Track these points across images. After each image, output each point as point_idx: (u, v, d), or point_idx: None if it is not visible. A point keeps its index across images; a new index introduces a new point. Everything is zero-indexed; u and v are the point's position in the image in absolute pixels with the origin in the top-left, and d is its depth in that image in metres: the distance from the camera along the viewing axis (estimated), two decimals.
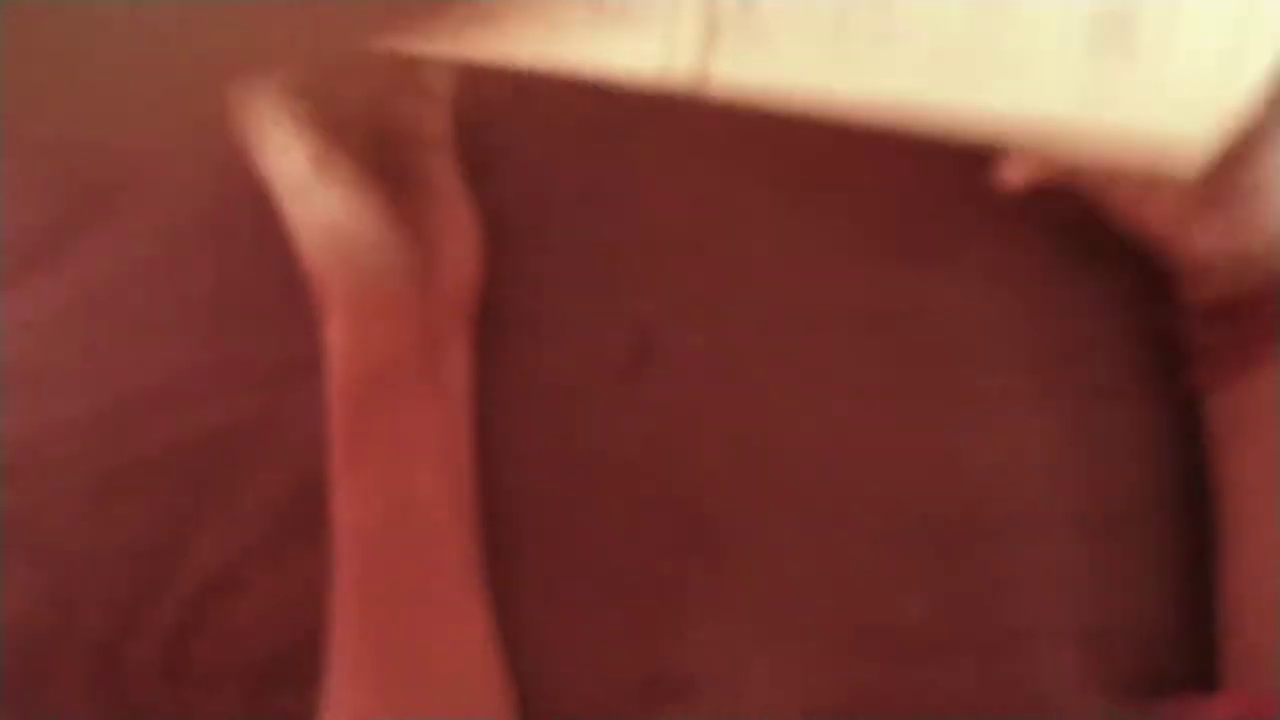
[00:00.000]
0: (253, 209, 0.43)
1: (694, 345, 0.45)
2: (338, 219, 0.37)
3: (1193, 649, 0.41)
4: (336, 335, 0.39)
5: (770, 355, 0.45)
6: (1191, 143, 0.32)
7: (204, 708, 0.41)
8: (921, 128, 0.32)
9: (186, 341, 0.44)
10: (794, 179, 0.46)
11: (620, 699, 0.41)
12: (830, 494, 0.44)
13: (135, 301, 0.44)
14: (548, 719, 0.40)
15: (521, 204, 0.45)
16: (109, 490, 0.43)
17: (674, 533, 0.43)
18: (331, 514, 0.38)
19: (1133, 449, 0.44)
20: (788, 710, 0.41)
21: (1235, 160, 0.39)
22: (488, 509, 0.41)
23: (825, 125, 0.42)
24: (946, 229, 0.46)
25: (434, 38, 0.32)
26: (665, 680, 0.41)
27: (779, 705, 0.41)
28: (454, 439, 0.40)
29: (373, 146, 0.39)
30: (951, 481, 0.44)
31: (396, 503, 0.38)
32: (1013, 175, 0.41)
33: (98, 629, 0.41)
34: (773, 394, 0.45)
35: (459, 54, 0.32)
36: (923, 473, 0.44)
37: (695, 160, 0.46)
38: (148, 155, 0.45)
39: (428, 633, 0.37)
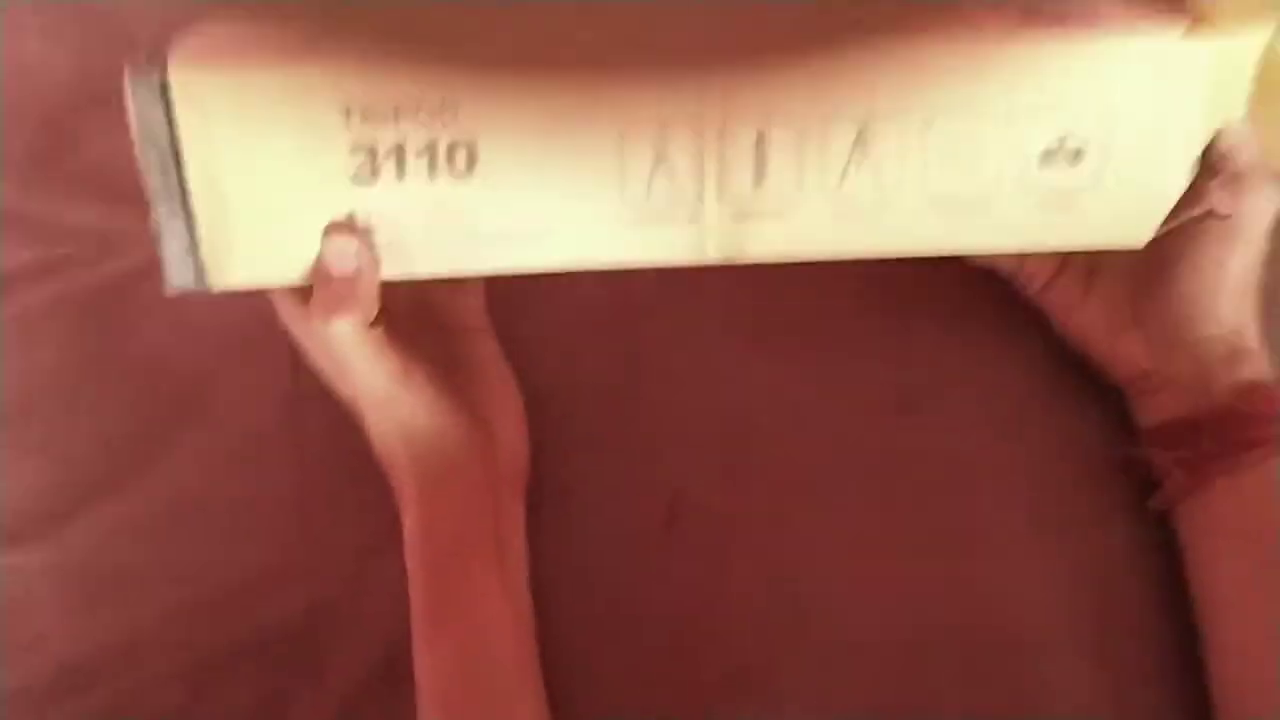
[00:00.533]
0: (323, 405, 0.48)
1: (721, 503, 0.49)
2: (413, 420, 0.42)
3: None
4: (413, 519, 0.43)
5: (791, 506, 0.50)
6: (1133, 236, 0.39)
7: None
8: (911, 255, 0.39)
9: (271, 533, 0.48)
10: (794, 347, 0.51)
11: None
12: (859, 629, 0.48)
13: (222, 500, 0.49)
14: None
15: (554, 384, 0.50)
16: (204, 675, 0.47)
17: (720, 676, 0.47)
18: (413, 682, 0.42)
19: (1129, 568, 0.48)
20: None
21: (1151, 287, 0.45)
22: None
23: (819, 296, 0.48)
24: (932, 378, 0.51)
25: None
26: None
27: None
28: (520, 602, 0.44)
29: (424, 338, 0.43)
30: (967, 609, 0.49)
31: (474, 667, 0.42)
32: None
33: None
34: (797, 542, 0.49)
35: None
36: (940, 603, 0.49)
37: (706, 335, 0.51)
38: (226, 370, 0.50)
39: None
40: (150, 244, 0.50)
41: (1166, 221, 0.39)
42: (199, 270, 0.37)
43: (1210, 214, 0.41)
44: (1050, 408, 0.51)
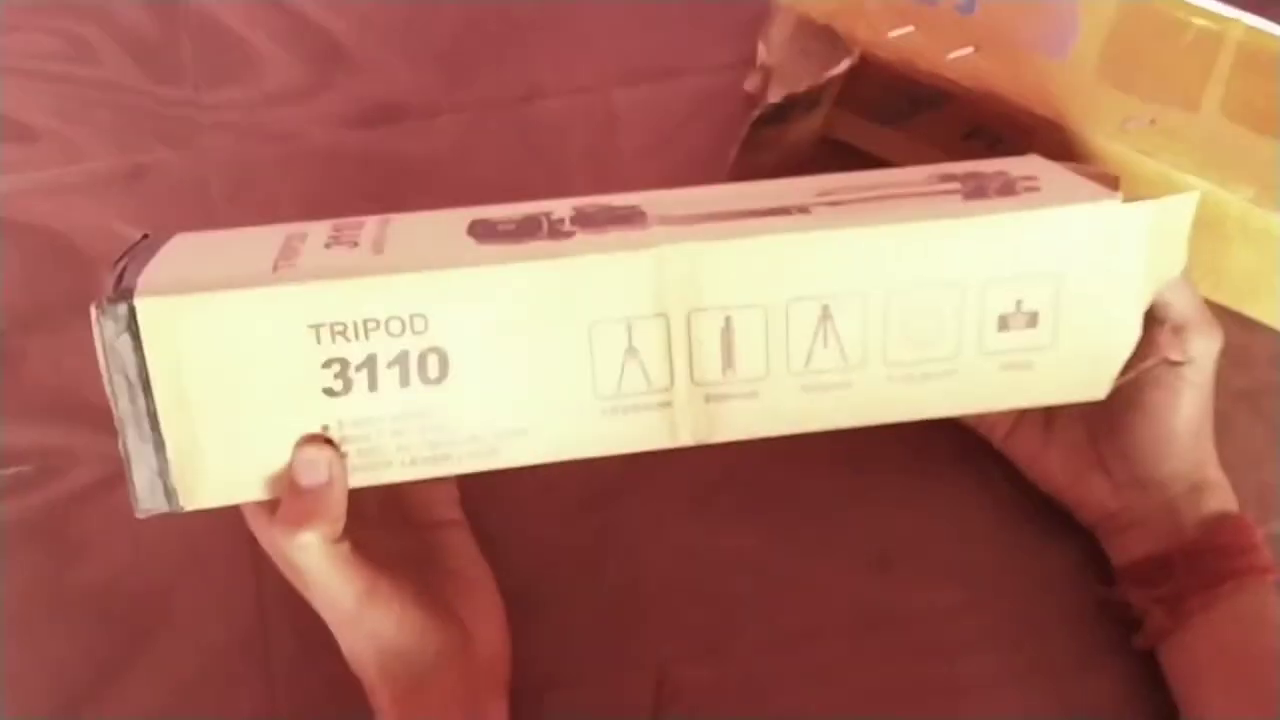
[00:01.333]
0: (291, 614, 0.47)
1: (708, 678, 0.49)
2: (382, 634, 0.40)
3: None
4: None
5: (777, 672, 0.49)
6: (1093, 388, 0.40)
7: None
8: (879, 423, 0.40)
9: None
10: (767, 517, 0.51)
11: None
12: None
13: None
14: None
15: (527, 573, 0.49)
16: None
17: None
18: None
19: (1121, 711, 0.48)
20: None
21: (1109, 432, 0.46)
22: None
23: (786, 462, 0.48)
24: (907, 534, 0.51)
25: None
26: None
27: None
28: None
29: (394, 538, 0.43)
30: None
31: None
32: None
33: None
34: (787, 707, 0.49)
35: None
36: None
37: (679, 511, 0.51)
38: (186, 585, 0.49)
39: None
40: (98, 463, 0.50)
41: (1124, 372, 0.41)
42: (169, 493, 0.36)
43: (1164, 361, 0.42)
44: (1027, 552, 0.51)
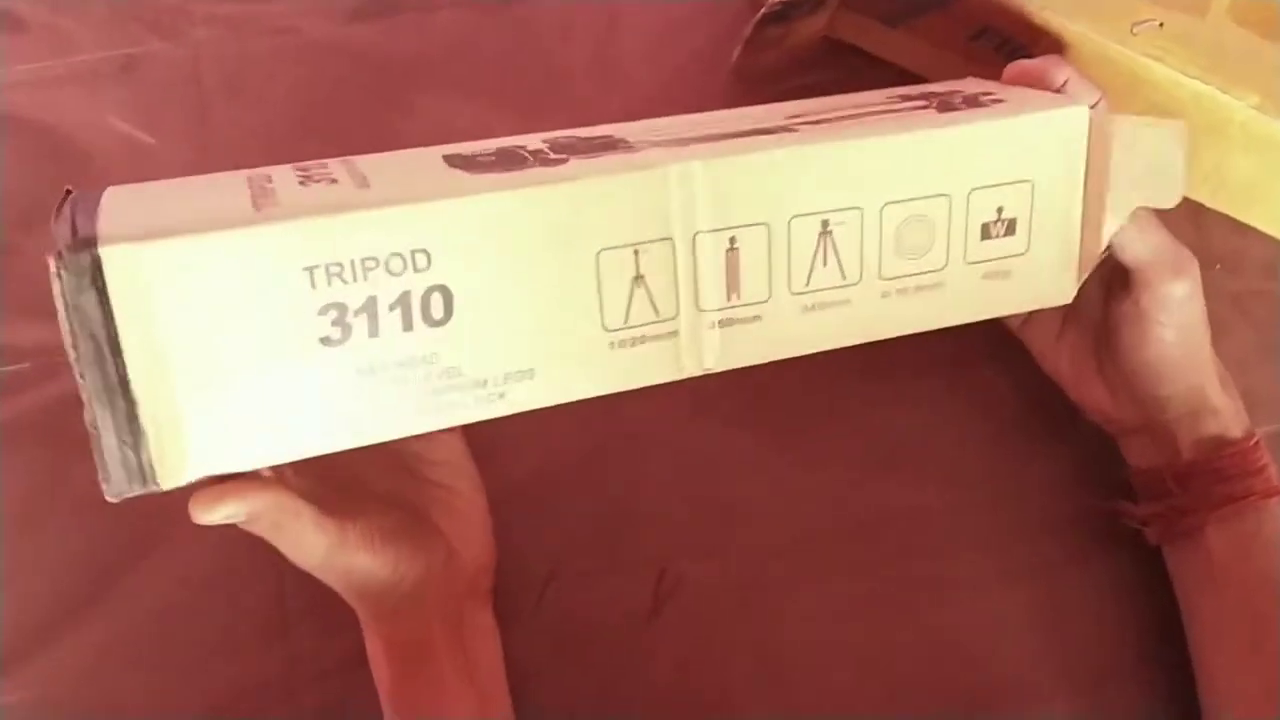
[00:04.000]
0: None
1: (706, 577, 0.50)
2: (356, 573, 0.40)
3: None
4: (370, 641, 0.42)
5: (775, 572, 0.51)
6: (1062, 292, 0.41)
7: None
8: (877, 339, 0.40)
9: (253, 650, 0.47)
10: (767, 421, 0.52)
11: None
12: (845, 687, 0.49)
13: (198, 620, 0.48)
14: None
15: (534, 470, 0.50)
16: None
17: None
18: None
19: (1104, 613, 0.50)
20: None
21: (1107, 348, 0.46)
22: None
23: (786, 370, 0.48)
24: (904, 439, 0.52)
25: None
26: None
27: None
28: (494, 704, 0.44)
29: (376, 454, 0.41)
30: (948, 660, 0.50)
31: None
32: None
33: None
34: (783, 606, 0.50)
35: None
36: (922, 656, 0.50)
37: (680, 414, 0.52)
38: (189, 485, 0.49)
39: None
40: None
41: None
42: (146, 470, 0.32)
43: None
44: (1020, 459, 0.52)
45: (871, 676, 0.50)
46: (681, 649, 0.49)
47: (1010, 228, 0.39)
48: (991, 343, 0.51)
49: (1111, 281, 0.45)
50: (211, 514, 0.34)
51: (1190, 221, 0.54)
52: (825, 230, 0.37)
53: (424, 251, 0.33)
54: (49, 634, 0.47)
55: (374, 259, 0.32)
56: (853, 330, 0.39)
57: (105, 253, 0.30)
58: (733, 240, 0.36)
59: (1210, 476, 0.45)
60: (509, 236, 0.34)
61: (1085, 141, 0.39)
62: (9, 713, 0.46)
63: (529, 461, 0.48)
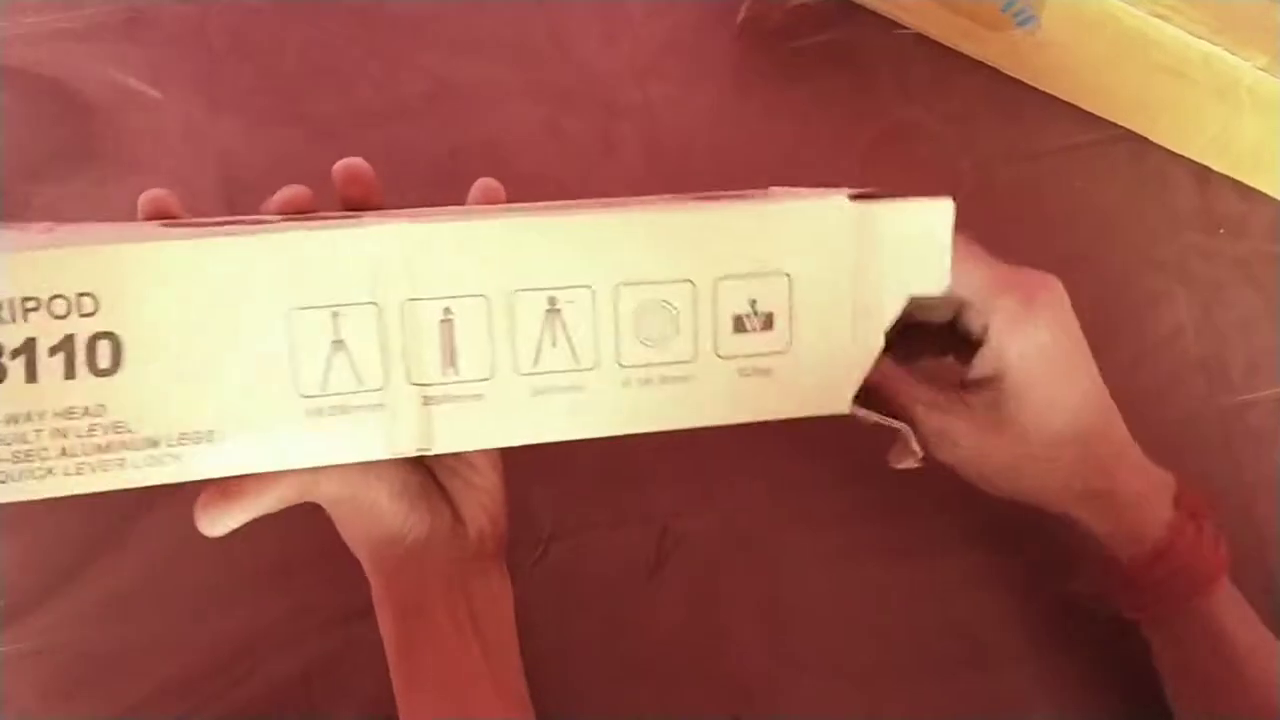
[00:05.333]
0: None
1: (707, 529, 0.50)
2: (362, 528, 0.41)
3: None
4: (374, 594, 0.42)
5: (772, 525, 0.51)
6: (833, 403, 0.38)
7: None
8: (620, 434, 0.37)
9: (255, 601, 0.48)
10: None
11: None
12: (842, 638, 0.50)
13: (200, 571, 0.48)
14: None
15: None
16: None
17: (717, 694, 0.49)
18: None
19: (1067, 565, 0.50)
20: None
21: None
22: (543, 705, 0.46)
23: None
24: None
25: None
26: None
27: None
28: (504, 662, 0.44)
29: None
30: (940, 606, 0.51)
31: None
32: (899, 462, 0.43)
33: None
34: (781, 558, 0.51)
35: None
36: (916, 604, 0.51)
37: None
38: None
39: None
40: None
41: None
42: None
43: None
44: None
45: (865, 627, 0.50)
46: (683, 603, 0.50)
47: (767, 322, 0.36)
48: None
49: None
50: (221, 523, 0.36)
51: (1195, 184, 0.54)
52: (553, 308, 0.35)
53: (90, 295, 0.31)
54: (54, 584, 0.48)
55: (35, 300, 0.31)
56: (592, 420, 0.36)
57: None
58: (447, 310, 0.34)
59: (1150, 583, 0.43)
60: (187, 286, 0.32)
61: (846, 235, 0.36)
62: (15, 661, 0.47)
63: None
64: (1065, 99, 0.54)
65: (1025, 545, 0.51)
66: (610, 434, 0.36)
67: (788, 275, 0.36)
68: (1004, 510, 0.50)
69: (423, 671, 0.42)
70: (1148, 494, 0.43)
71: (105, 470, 0.32)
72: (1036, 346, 0.40)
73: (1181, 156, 0.55)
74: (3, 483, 0.31)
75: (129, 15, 0.52)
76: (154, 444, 0.32)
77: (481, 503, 0.44)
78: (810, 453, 0.51)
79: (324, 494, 0.39)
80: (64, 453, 0.32)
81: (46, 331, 0.31)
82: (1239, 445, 0.52)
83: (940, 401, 0.41)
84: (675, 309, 0.36)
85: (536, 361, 0.35)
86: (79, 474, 0.32)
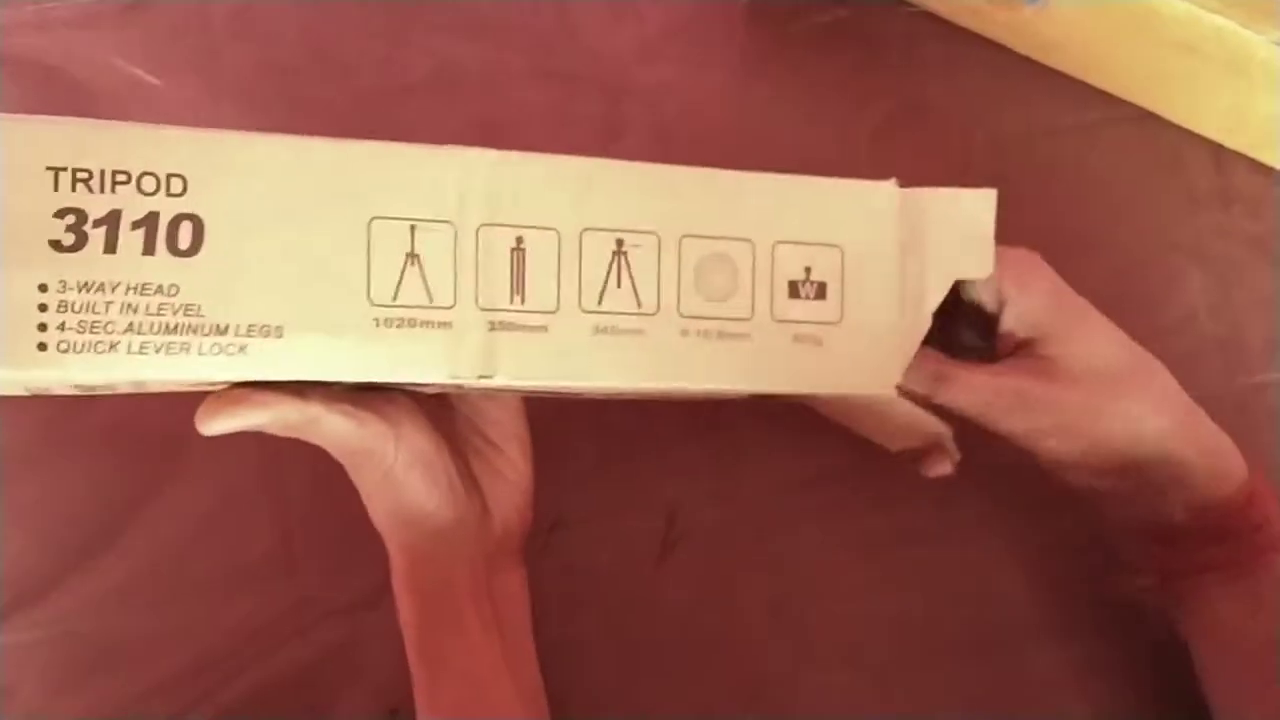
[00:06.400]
0: (303, 457, 0.47)
1: (715, 519, 0.50)
2: (391, 489, 0.40)
3: None
4: (397, 577, 0.42)
5: (779, 515, 0.51)
6: (880, 382, 0.39)
7: None
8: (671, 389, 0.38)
9: (261, 590, 0.48)
10: None
11: None
12: (854, 627, 0.50)
13: (207, 560, 0.48)
14: None
15: (541, 415, 0.49)
16: None
17: (727, 684, 0.48)
18: None
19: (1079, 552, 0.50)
20: None
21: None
22: (548, 695, 0.45)
23: None
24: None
25: None
26: None
27: None
28: (522, 659, 0.43)
29: (437, 406, 0.42)
30: (954, 596, 0.51)
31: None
32: (933, 469, 0.45)
33: None
34: (791, 547, 0.50)
35: None
36: (930, 593, 0.50)
37: None
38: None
39: None
40: None
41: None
42: None
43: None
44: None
45: (875, 617, 0.50)
46: (691, 592, 0.49)
47: (820, 291, 0.38)
48: None
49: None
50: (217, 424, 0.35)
51: (1210, 162, 0.54)
52: (619, 250, 0.36)
53: (180, 177, 0.32)
54: (61, 573, 0.47)
55: (125, 173, 0.32)
56: (650, 366, 0.37)
57: None
58: (519, 240, 0.35)
59: (1202, 537, 0.42)
60: (276, 181, 0.33)
61: (894, 216, 0.39)
62: (22, 650, 0.47)
63: (536, 403, 0.48)
64: (1077, 76, 0.54)
65: (1042, 529, 0.50)
66: (664, 385, 0.37)
67: (839, 248, 0.38)
68: (1019, 495, 0.50)
69: (445, 660, 0.41)
70: (1220, 430, 0.42)
71: (169, 354, 0.32)
72: (1057, 290, 0.41)
73: (1195, 134, 0.54)
74: (65, 352, 0.32)
75: (129, 2, 0.52)
76: (222, 331, 0.33)
77: (511, 495, 0.43)
78: (819, 440, 0.51)
79: (327, 435, 0.37)
80: (131, 328, 0.32)
81: (132, 206, 0.32)
82: (1258, 425, 0.51)
83: (1004, 370, 0.41)
84: (735, 266, 0.37)
85: (600, 300, 0.36)
86: (142, 353, 0.32)
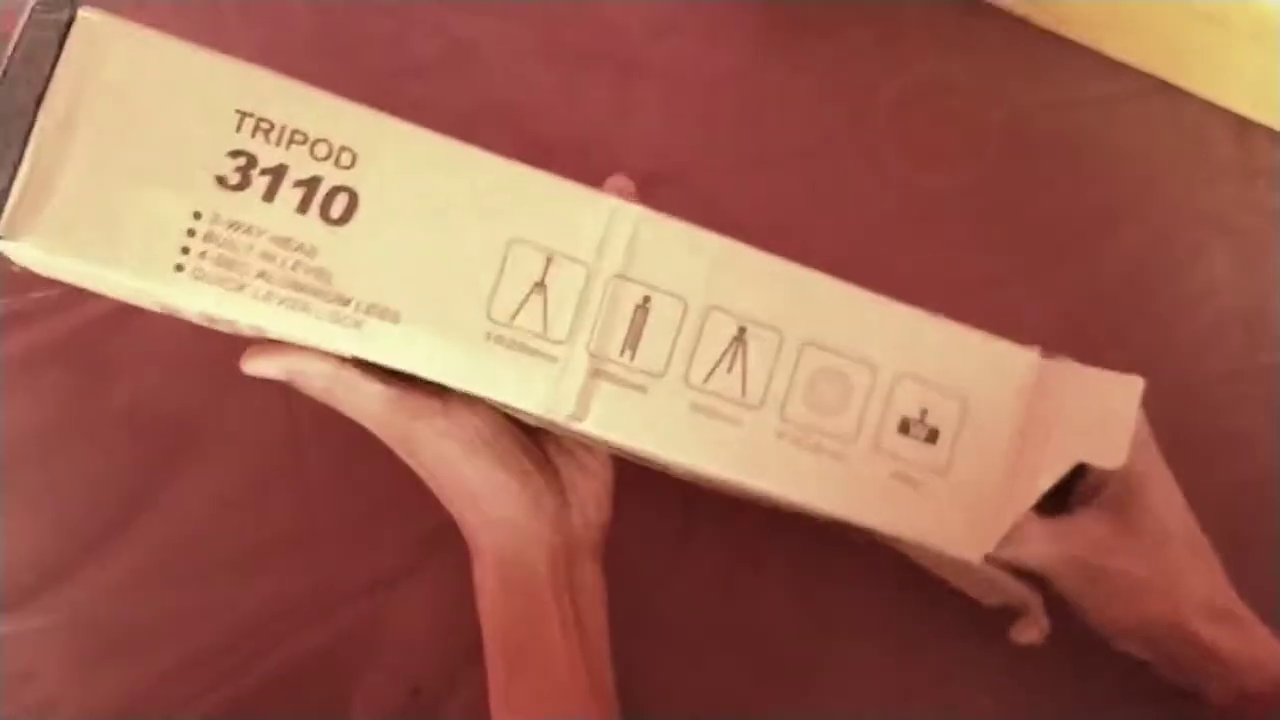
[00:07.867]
0: (323, 438, 0.47)
1: (737, 505, 0.49)
2: (463, 473, 0.39)
3: None
4: (481, 570, 0.41)
5: None
6: (971, 545, 0.38)
7: None
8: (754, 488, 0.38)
9: (281, 572, 0.48)
10: None
11: None
12: (877, 608, 0.50)
13: (225, 543, 0.48)
14: None
15: None
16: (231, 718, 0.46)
17: (748, 664, 0.48)
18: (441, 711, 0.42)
19: None
20: None
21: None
22: None
23: None
24: None
25: None
26: None
27: None
28: (597, 657, 0.42)
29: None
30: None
31: None
32: (1023, 636, 0.44)
33: None
34: (809, 528, 0.50)
35: None
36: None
37: None
38: (216, 405, 0.49)
39: None
40: None
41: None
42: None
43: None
44: None
45: (904, 594, 0.49)
46: (713, 572, 0.49)
47: (932, 436, 0.37)
48: None
49: None
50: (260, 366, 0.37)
51: (1233, 134, 0.53)
52: (740, 337, 0.36)
53: (352, 151, 0.34)
54: (79, 556, 0.47)
55: (304, 134, 0.34)
56: (736, 457, 0.37)
57: (85, 14, 0.33)
58: (646, 299, 0.36)
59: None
60: (437, 181, 0.35)
61: (1029, 385, 0.38)
62: (42, 635, 0.47)
63: None
64: (1097, 49, 0.53)
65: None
66: (745, 480, 0.37)
67: (964, 400, 0.37)
68: None
69: (525, 656, 0.41)
70: (1254, 617, 0.42)
71: (290, 308, 0.34)
72: (1143, 442, 0.41)
73: (1218, 106, 0.53)
74: (199, 280, 0.34)
75: None
76: (344, 302, 0.34)
77: (593, 490, 0.43)
78: None
79: (364, 398, 0.37)
80: (262, 275, 0.34)
81: (300, 165, 0.34)
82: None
83: (1074, 530, 0.41)
84: (850, 384, 0.37)
85: (707, 380, 0.36)
86: (265, 301, 0.34)
